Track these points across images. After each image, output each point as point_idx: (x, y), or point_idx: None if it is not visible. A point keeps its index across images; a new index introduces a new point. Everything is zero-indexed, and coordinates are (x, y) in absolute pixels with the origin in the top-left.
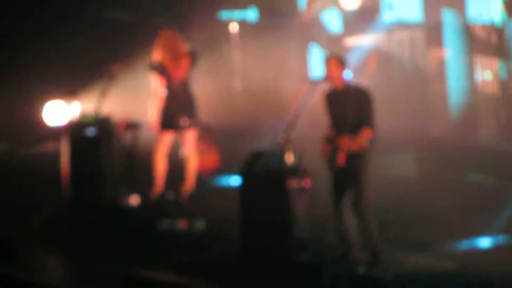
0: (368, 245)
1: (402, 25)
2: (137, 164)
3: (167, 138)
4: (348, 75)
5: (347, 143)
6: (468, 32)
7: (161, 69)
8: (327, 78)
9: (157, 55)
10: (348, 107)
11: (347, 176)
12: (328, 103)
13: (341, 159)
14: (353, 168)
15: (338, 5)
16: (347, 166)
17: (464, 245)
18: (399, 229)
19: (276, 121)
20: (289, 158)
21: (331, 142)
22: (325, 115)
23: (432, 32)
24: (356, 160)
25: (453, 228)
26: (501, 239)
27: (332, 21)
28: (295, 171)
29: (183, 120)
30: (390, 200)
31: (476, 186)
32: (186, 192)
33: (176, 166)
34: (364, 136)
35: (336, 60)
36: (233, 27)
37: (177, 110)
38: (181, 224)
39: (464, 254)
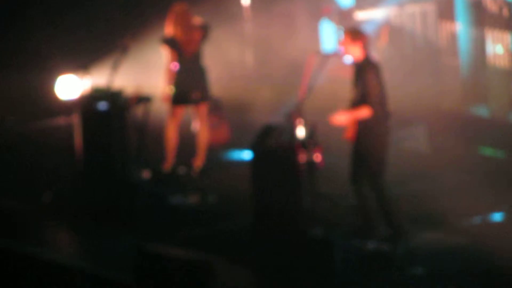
0: (384, 219)
1: None
2: (148, 138)
3: (179, 112)
4: (362, 48)
5: (350, 112)
6: (479, 5)
7: (172, 43)
8: (340, 51)
9: (168, 29)
10: (357, 82)
11: (359, 150)
12: (352, 78)
13: (348, 134)
14: (361, 143)
15: None
16: (357, 140)
17: (476, 220)
18: (410, 203)
19: (288, 94)
20: (301, 132)
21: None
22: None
23: (444, 6)
24: (361, 135)
25: (465, 202)
26: None
27: None
28: (307, 145)
29: (195, 94)
30: (403, 174)
31: (488, 160)
32: (198, 166)
33: (187, 140)
34: (361, 112)
35: (348, 34)
36: (245, 0)
37: (189, 84)
38: (193, 199)
39: (476, 229)
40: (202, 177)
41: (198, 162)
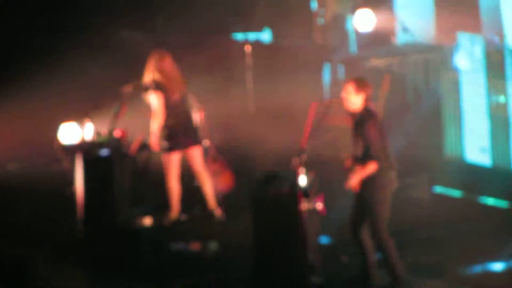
0: (387, 269)
1: (416, 48)
2: (150, 184)
3: (175, 159)
4: (364, 99)
5: (358, 171)
6: (482, 55)
7: (156, 86)
8: (342, 99)
9: (148, 76)
10: (358, 134)
11: (363, 201)
12: (352, 129)
13: (354, 185)
14: (366, 193)
15: (352, 28)
16: (360, 191)
17: (478, 268)
18: (412, 252)
19: (290, 142)
20: (302, 180)
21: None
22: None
23: (446, 55)
24: (368, 185)
25: (467, 252)
26: None
27: (346, 43)
28: (309, 193)
29: (186, 139)
30: (405, 223)
31: (490, 209)
32: (212, 209)
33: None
34: (368, 169)
35: (353, 84)
36: (247, 48)
37: (178, 130)
38: (194, 246)
39: (478, 278)
40: (203, 225)
41: (211, 204)
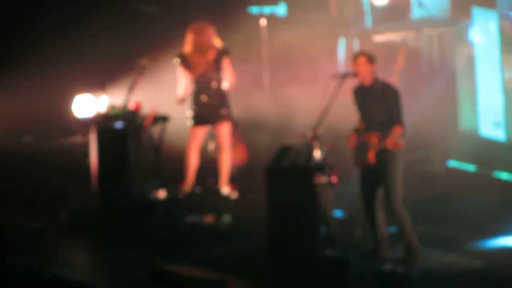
0: (402, 242)
1: (431, 22)
2: (164, 157)
3: (200, 133)
4: (376, 71)
5: (377, 140)
6: (497, 29)
7: (184, 61)
8: (356, 74)
9: (186, 48)
10: (376, 104)
11: (377, 173)
12: (357, 99)
13: (371, 156)
14: (384, 165)
15: (368, 1)
16: (377, 163)
17: (491, 243)
18: (425, 226)
19: (305, 116)
20: (317, 154)
21: (360, 136)
22: (355, 110)
23: (461, 30)
24: (387, 157)
25: (480, 226)
26: None
27: (361, 17)
28: (323, 166)
29: (217, 114)
30: (418, 197)
31: (504, 184)
32: (224, 184)
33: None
34: (396, 133)
35: (365, 57)
36: (263, 22)
37: (210, 104)
38: (209, 219)
39: (491, 253)
40: (217, 197)
41: (224, 180)
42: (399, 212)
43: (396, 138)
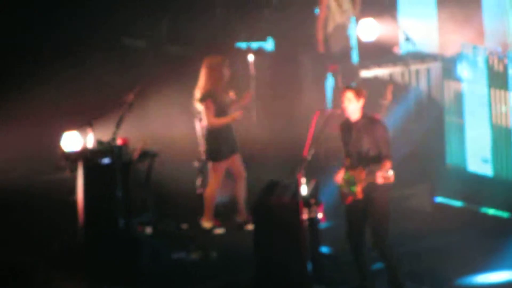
0: (388, 278)
1: (419, 57)
2: (151, 193)
3: (224, 168)
4: (363, 106)
5: (365, 176)
6: (485, 65)
7: (207, 96)
8: (343, 109)
9: (205, 83)
10: (363, 139)
11: (364, 208)
12: (344, 134)
13: (359, 191)
14: (371, 201)
15: (356, 37)
16: (364, 198)
17: (480, 279)
18: (412, 261)
19: (292, 150)
20: (304, 189)
21: (347, 171)
22: (342, 145)
23: (448, 65)
24: (374, 193)
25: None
26: None
27: (349, 52)
28: (310, 202)
29: (231, 147)
30: (405, 233)
31: (491, 219)
32: (244, 220)
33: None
34: (386, 168)
35: (353, 92)
36: (251, 57)
37: (227, 138)
38: (195, 255)
39: None
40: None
41: (241, 217)
42: (385, 248)
43: (385, 172)
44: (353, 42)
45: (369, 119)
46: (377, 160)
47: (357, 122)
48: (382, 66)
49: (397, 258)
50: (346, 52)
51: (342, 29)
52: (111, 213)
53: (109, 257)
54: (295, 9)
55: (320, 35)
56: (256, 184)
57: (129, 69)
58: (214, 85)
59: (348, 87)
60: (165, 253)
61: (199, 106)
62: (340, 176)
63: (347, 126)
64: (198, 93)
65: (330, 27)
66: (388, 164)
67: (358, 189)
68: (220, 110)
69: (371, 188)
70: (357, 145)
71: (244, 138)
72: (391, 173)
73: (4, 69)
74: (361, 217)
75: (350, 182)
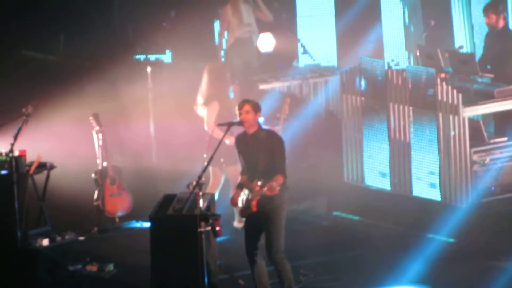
0: None
1: (318, 70)
2: (48, 205)
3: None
4: (260, 120)
5: (260, 189)
6: (384, 78)
7: (218, 99)
8: (241, 122)
9: (209, 87)
10: (259, 152)
11: (260, 221)
12: (240, 147)
13: (254, 205)
14: (267, 214)
15: (256, 51)
16: (260, 211)
17: None
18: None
19: (190, 164)
20: (201, 203)
21: (243, 187)
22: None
23: (347, 78)
24: (269, 206)
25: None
26: None
27: (249, 65)
28: (207, 215)
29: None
30: (304, 246)
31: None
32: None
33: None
34: (276, 182)
35: (250, 105)
36: (148, 68)
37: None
38: (92, 267)
39: None
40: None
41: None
42: (279, 261)
43: (273, 184)
44: (255, 56)
45: (265, 132)
46: (271, 174)
47: (253, 135)
48: (281, 80)
49: (292, 271)
50: (245, 65)
51: (242, 42)
52: (8, 225)
53: (5, 269)
54: (194, 22)
55: (219, 47)
56: (154, 198)
57: (27, 81)
58: (218, 88)
59: (245, 100)
60: (62, 265)
61: (202, 111)
62: (236, 198)
63: (243, 139)
64: (200, 97)
65: (231, 40)
66: (280, 179)
67: (253, 203)
68: (224, 113)
69: (266, 201)
70: (253, 158)
71: (141, 150)
72: (275, 184)
73: None
74: (258, 230)
75: (246, 198)
